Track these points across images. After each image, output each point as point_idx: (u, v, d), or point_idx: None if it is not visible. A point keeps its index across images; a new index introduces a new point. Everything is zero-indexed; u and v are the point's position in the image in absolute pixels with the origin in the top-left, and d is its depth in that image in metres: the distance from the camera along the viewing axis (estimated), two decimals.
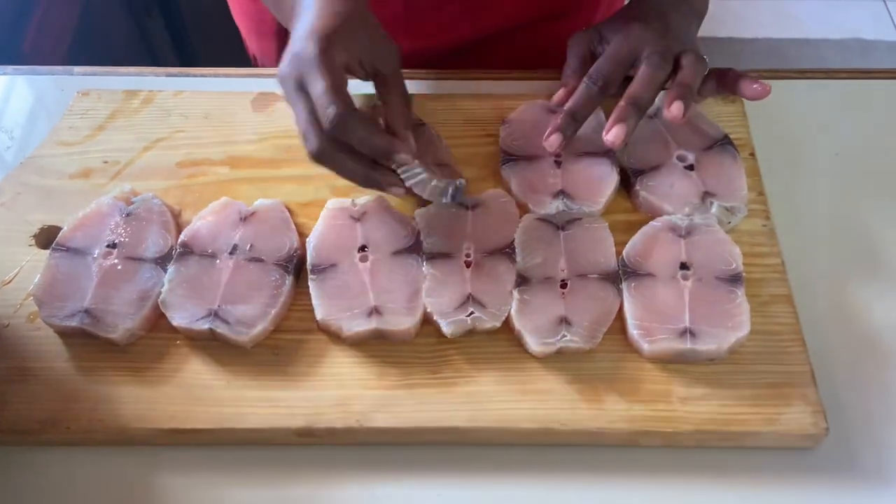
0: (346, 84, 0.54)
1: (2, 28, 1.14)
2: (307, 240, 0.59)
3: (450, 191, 0.58)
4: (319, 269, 0.58)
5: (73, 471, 0.53)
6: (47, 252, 0.59)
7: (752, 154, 0.65)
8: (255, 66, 0.91)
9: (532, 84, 0.74)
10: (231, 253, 0.58)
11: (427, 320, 0.56)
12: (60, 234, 0.60)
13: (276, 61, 0.84)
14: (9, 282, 0.59)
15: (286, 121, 0.68)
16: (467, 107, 0.69)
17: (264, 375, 0.54)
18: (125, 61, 1.14)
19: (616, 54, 0.63)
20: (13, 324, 0.57)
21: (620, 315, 0.56)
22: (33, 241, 0.62)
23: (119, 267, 0.58)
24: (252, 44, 0.89)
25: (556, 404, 0.53)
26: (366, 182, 0.56)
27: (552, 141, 0.61)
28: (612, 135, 0.59)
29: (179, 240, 0.59)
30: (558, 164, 0.63)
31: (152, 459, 0.53)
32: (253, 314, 0.55)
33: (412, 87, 0.72)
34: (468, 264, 0.58)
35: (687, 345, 0.53)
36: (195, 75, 0.75)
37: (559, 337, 0.54)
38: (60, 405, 0.53)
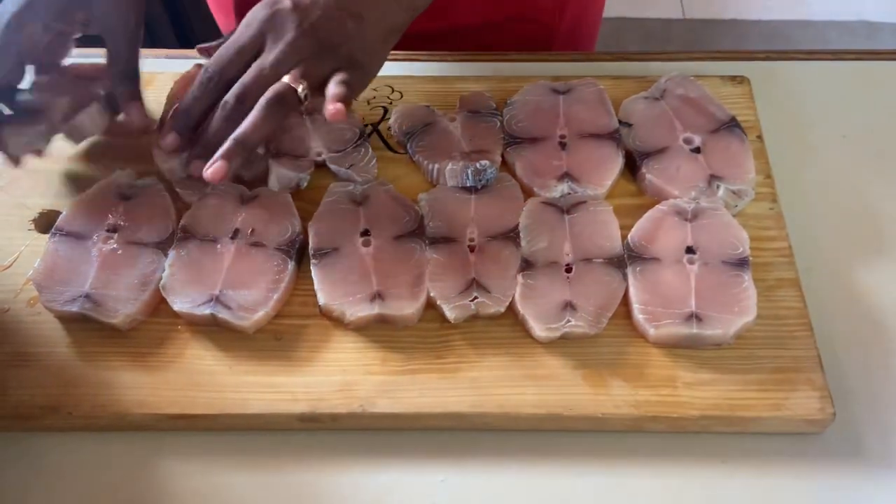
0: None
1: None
2: (309, 224, 0.59)
3: (469, 172, 0.58)
4: (321, 254, 0.57)
5: (74, 456, 0.53)
6: (47, 236, 0.59)
7: (760, 136, 0.64)
8: None
9: (534, 65, 0.73)
10: (232, 238, 0.58)
11: (430, 305, 0.56)
12: (60, 218, 0.60)
13: None
14: (8, 266, 0.59)
15: None
16: (467, 88, 0.68)
17: (266, 361, 0.54)
18: None
19: (237, 41, 0.56)
20: (13, 309, 0.57)
21: (626, 300, 0.55)
22: (32, 226, 0.61)
23: (119, 252, 0.58)
24: (219, 21, 0.88)
25: (561, 389, 0.52)
26: None
27: (167, 142, 0.57)
28: (210, 172, 0.54)
29: (180, 224, 0.59)
30: (563, 146, 0.63)
31: (154, 445, 0.53)
32: (255, 299, 0.55)
33: (408, 68, 0.72)
34: (472, 249, 0.57)
35: (693, 329, 0.53)
36: (196, 57, 0.74)
37: (564, 322, 0.53)
38: (61, 390, 0.53)
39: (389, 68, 0.72)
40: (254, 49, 0.56)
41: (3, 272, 0.59)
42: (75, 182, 0.63)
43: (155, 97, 0.69)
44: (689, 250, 0.57)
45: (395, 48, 0.74)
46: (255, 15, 0.56)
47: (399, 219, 0.59)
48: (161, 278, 0.56)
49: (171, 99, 0.65)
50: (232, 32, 0.57)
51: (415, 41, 0.76)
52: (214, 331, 0.55)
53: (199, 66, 0.66)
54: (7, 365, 0.54)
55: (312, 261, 0.57)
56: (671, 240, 0.57)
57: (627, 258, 0.57)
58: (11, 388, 0.53)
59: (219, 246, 0.58)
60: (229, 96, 0.55)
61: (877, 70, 0.73)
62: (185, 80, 0.65)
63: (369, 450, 0.53)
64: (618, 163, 0.62)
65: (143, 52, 0.75)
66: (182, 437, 0.53)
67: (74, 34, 0.61)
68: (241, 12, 0.81)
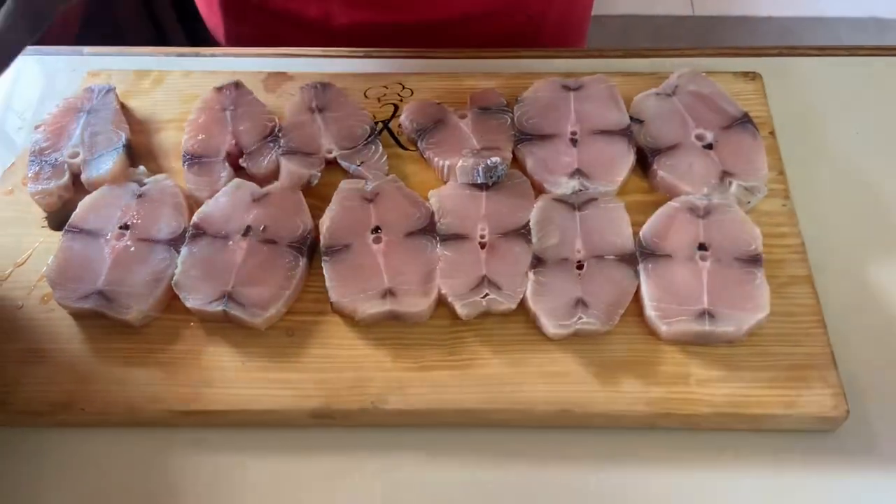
0: None
1: None
2: (320, 221, 0.59)
3: (480, 169, 0.58)
4: (333, 251, 0.57)
5: (87, 452, 0.53)
6: (60, 233, 0.59)
7: (772, 133, 0.64)
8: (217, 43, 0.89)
9: (545, 62, 0.73)
10: (244, 234, 0.58)
11: (442, 302, 0.56)
12: (73, 215, 0.60)
13: (224, 36, 0.84)
14: (22, 263, 0.59)
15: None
16: (477, 85, 0.68)
17: (278, 357, 0.54)
18: (133, 40, 1.13)
19: None
20: (27, 305, 0.57)
21: (637, 297, 0.55)
22: (46, 223, 0.62)
23: (132, 248, 0.58)
24: (206, 17, 0.88)
25: (573, 386, 0.52)
26: None
27: None
28: None
29: (192, 221, 0.59)
30: (574, 142, 0.63)
31: (167, 441, 0.53)
32: (267, 296, 0.55)
33: (419, 65, 0.72)
34: (483, 245, 0.57)
35: (705, 326, 0.52)
36: (206, 55, 0.75)
37: (575, 319, 0.53)
38: (75, 386, 0.53)
39: (400, 65, 0.72)
40: None
41: (17, 269, 0.59)
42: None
43: (165, 97, 0.69)
44: (702, 247, 0.56)
45: (401, 45, 0.74)
46: None
47: (410, 216, 0.59)
48: (173, 275, 0.56)
49: (193, 125, 0.65)
50: None
51: (399, 34, 0.76)
52: (227, 327, 0.55)
53: (218, 89, 0.66)
54: (20, 361, 0.54)
55: (324, 258, 0.57)
56: (683, 236, 0.57)
57: (639, 255, 0.56)
58: (25, 384, 0.53)
59: (231, 243, 0.58)
60: None
61: (889, 66, 0.72)
62: (204, 106, 0.66)
63: (381, 446, 0.53)
64: (629, 159, 0.62)
65: (155, 50, 0.76)
66: (194, 433, 0.53)
67: None
68: (227, 11, 0.82)
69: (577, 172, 0.61)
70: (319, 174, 0.62)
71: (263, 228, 0.58)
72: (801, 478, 0.51)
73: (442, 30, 0.79)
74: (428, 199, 0.60)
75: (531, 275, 0.55)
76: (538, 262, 0.56)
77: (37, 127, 0.66)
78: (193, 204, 0.61)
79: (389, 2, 0.77)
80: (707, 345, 0.53)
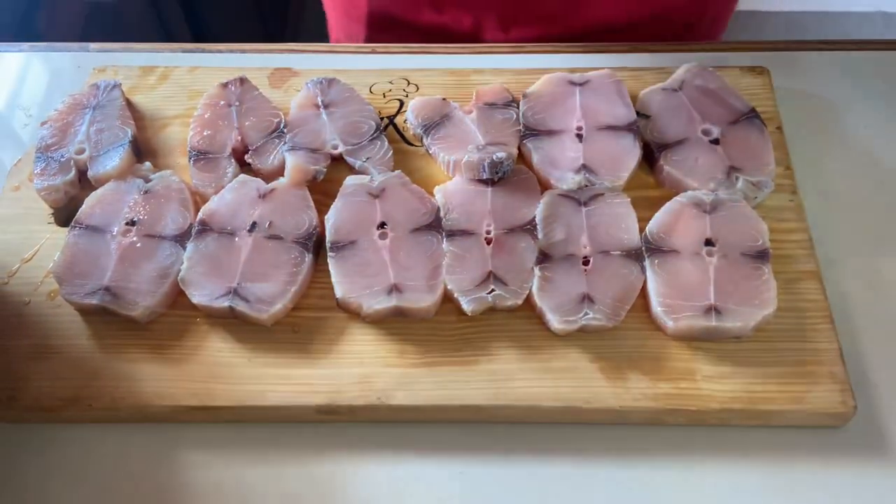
0: None
1: (16, 5, 1.14)
2: (326, 217, 0.59)
3: (486, 165, 0.59)
4: (339, 247, 0.57)
5: (95, 448, 0.53)
6: (66, 229, 0.59)
7: (779, 128, 0.64)
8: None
9: (551, 57, 0.73)
10: (250, 230, 0.58)
11: (447, 298, 0.56)
12: (79, 211, 0.60)
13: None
14: (29, 259, 0.59)
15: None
16: (483, 81, 0.68)
17: (285, 353, 0.54)
18: (139, 37, 1.13)
19: None
20: (34, 301, 0.57)
21: (644, 292, 0.55)
22: (52, 219, 0.62)
23: (138, 244, 0.58)
24: (339, 27, 0.88)
25: (579, 382, 0.52)
26: None
27: None
28: None
29: (198, 217, 0.59)
30: (580, 138, 0.62)
31: (173, 436, 0.53)
32: (272, 292, 0.55)
33: (424, 61, 0.72)
34: (489, 241, 0.57)
35: (712, 322, 0.52)
36: (211, 51, 0.75)
37: (581, 315, 0.53)
38: (82, 382, 0.53)
39: (406, 61, 0.72)
40: None
41: (24, 265, 0.59)
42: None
43: (172, 92, 0.69)
44: (708, 242, 0.56)
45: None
46: None
47: (416, 212, 0.59)
48: (179, 271, 0.56)
49: (199, 121, 0.65)
50: None
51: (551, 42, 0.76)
52: (233, 323, 0.55)
53: (223, 85, 0.66)
54: (28, 357, 0.55)
55: (329, 254, 0.57)
56: (690, 232, 0.57)
57: (645, 250, 0.56)
58: (32, 380, 0.54)
59: (236, 239, 0.58)
60: None
61: None
62: (210, 102, 0.66)
63: (387, 442, 0.53)
64: (635, 154, 0.61)
65: (160, 46, 0.76)
66: (201, 429, 0.53)
67: None
68: (372, 23, 0.82)
69: (584, 168, 0.60)
70: (325, 170, 0.62)
71: (269, 224, 0.58)
72: (809, 474, 0.51)
73: (590, 40, 0.78)
74: (434, 195, 0.60)
75: (537, 270, 0.55)
76: (544, 257, 0.56)
77: (43, 123, 0.66)
78: (199, 200, 0.61)
79: (545, 15, 0.76)
80: (714, 340, 0.53)
